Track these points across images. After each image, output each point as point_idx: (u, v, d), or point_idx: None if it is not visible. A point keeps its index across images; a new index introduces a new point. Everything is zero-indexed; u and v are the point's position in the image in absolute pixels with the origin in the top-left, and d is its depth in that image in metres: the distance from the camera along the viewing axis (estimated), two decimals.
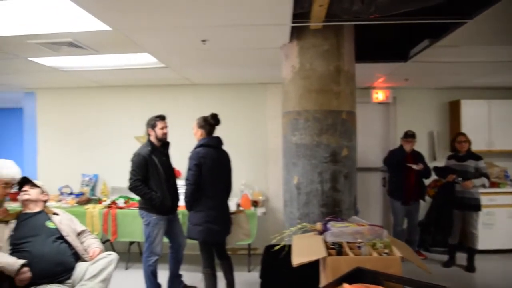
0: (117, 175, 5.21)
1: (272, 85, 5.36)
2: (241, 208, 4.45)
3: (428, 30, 3.35)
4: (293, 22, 2.83)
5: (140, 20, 2.76)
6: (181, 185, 3.89)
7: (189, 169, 3.36)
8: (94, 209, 4.70)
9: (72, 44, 3.22)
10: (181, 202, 3.64)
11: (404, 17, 2.84)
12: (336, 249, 1.81)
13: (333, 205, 3.06)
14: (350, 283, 1.52)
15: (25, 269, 2.55)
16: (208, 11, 2.59)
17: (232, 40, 3.28)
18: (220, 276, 3.58)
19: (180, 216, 4.06)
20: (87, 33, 2.99)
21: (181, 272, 4.04)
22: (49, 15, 2.63)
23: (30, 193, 2.99)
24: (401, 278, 1.61)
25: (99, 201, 5.08)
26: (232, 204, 3.87)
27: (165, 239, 3.86)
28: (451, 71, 4.63)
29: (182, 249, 3.97)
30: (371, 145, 5.76)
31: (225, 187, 3.60)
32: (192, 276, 4.27)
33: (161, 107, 4.56)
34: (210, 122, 3.51)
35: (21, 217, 2.90)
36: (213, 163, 3.40)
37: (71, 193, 5.25)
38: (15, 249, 2.69)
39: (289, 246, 2.08)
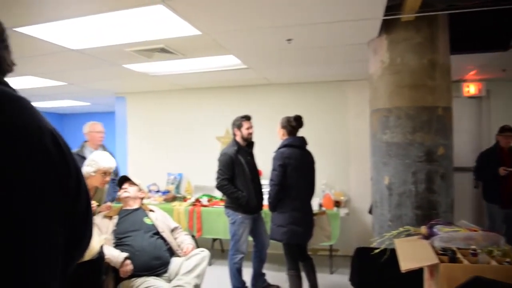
0: (200, 174, 5.43)
1: (354, 82, 5.18)
2: (323, 209, 4.37)
3: None
4: (384, 15, 2.71)
5: (228, 22, 2.82)
6: (264, 184, 3.92)
7: (274, 170, 3.34)
8: (180, 206, 4.92)
9: (163, 50, 3.40)
10: (265, 202, 3.66)
11: (508, 1, 2.57)
12: (449, 255, 1.67)
13: (429, 207, 2.88)
14: None
15: (128, 261, 2.73)
16: (296, 10, 2.56)
17: (317, 38, 3.22)
18: (303, 278, 3.54)
19: (262, 216, 4.08)
20: (178, 38, 3.13)
21: (264, 271, 4.07)
22: (144, 23, 2.78)
23: (129, 190, 3.20)
24: None
25: (184, 199, 5.30)
26: (314, 204, 3.80)
27: (249, 238, 3.90)
28: None
29: (265, 248, 3.98)
30: (461, 143, 5.31)
31: (309, 188, 3.54)
32: (275, 275, 4.27)
33: (241, 107, 4.63)
34: (292, 124, 3.46)
35: (122, 213, 3.10)
36: (297, 164, 3.35)
37: (158, 191, 5.56)
38: (118, 243, 2.89)
39: (391, 250, 1.98)
